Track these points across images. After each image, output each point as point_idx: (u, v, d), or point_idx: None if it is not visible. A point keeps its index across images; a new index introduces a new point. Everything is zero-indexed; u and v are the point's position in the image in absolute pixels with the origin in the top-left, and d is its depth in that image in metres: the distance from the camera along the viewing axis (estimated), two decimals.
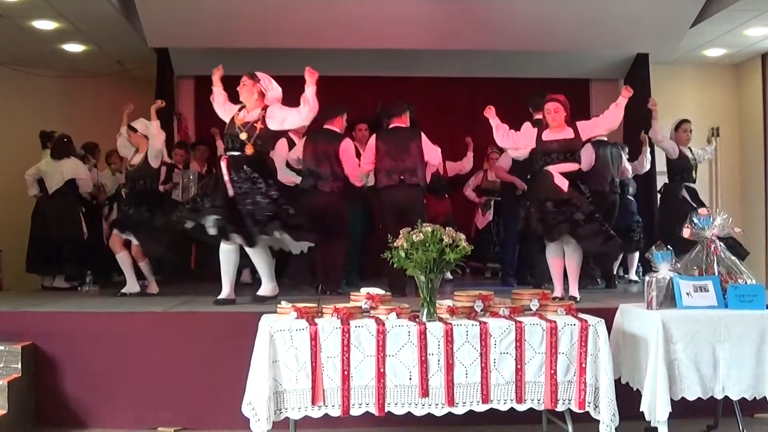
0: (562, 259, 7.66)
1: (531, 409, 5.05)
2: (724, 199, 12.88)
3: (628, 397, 5.30)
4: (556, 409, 5.07)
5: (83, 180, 10.18)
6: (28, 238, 10.22)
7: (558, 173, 7.55)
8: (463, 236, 5.06)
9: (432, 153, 8.50)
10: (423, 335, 4.92)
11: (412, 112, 8.71)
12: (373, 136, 8.66)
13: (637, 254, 10.36)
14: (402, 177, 8.30)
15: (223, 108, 7.68)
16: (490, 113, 7.94)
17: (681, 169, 9.39)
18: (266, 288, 7.41)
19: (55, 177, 10.02)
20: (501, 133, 7.96)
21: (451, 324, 4.97)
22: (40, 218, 10.19)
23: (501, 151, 11.11)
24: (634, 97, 8.07)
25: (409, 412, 4.94)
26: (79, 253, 10.04)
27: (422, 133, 8.47)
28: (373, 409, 4.90)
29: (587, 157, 8.78)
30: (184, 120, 11.88)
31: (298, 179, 8.94)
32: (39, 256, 10.14)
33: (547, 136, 7.67)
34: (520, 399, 5.00)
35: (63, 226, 10.01)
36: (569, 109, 7.69)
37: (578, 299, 7.29)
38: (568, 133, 7.63)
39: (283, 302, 5.35)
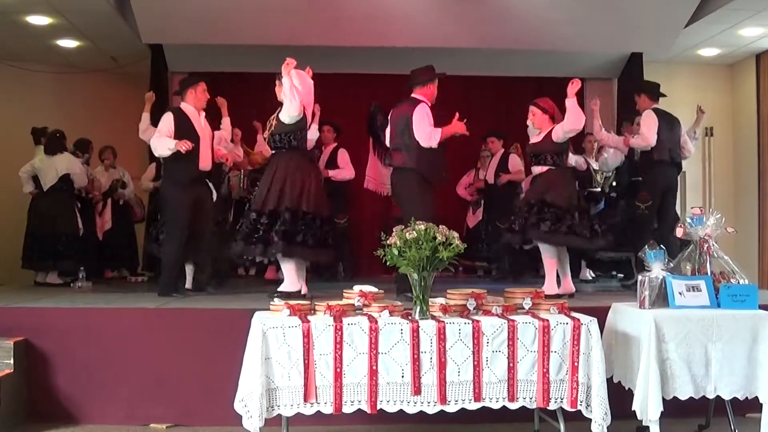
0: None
1: (523, 408, 5.06)
2: (718, 199, 12.90)
3: (620, 396, 5.32)
4: (548, 408, 5.08)
5: (77, 175, 10.15)
6: (24, 234, 10.20)
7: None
8: (456, 234, 5.07)
9: (420, 131, 7.48)
10: (415, 333, 4.92)
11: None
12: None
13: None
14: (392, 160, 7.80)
15: None
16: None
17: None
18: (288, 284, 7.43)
19: (49, 173, 9.99)
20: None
21: (443, 322, 4.97)
22: (35, 214, 10.16)
23: (492, 151, 11.15)
24: (629, 96, 8.23)
25: (401, 410, 4.95)
26: (75, 249, 10.02)
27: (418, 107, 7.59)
28: (365, 407, 4.90)
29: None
30: None
31: None
32: (35, 252, 10.11)
33: (533, 139, 8.15)
34: (512, 397, 5.01)
35: (59, 222, 9.98)
36: (551, 112, 7.95)
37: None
38: (540, 137, 8.01)
39: (275, 299, 5.35)
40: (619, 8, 10.60)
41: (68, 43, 11.70)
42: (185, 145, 7.56)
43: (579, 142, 10.69)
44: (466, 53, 11.47)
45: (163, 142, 7.69)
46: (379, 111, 9.62)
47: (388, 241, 5.04)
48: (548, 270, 7.87)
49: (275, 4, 10.28)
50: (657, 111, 8.72)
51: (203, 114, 8.05)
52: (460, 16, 10.60)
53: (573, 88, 7.66)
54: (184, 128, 7.81)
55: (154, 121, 8.37)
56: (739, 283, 5.51)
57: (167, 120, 7.83)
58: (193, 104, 7.94)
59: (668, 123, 8.69)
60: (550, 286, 7.71)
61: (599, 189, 10.13)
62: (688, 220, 5.68)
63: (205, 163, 7.95)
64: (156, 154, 7.94)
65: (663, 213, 8.53)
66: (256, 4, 10.25)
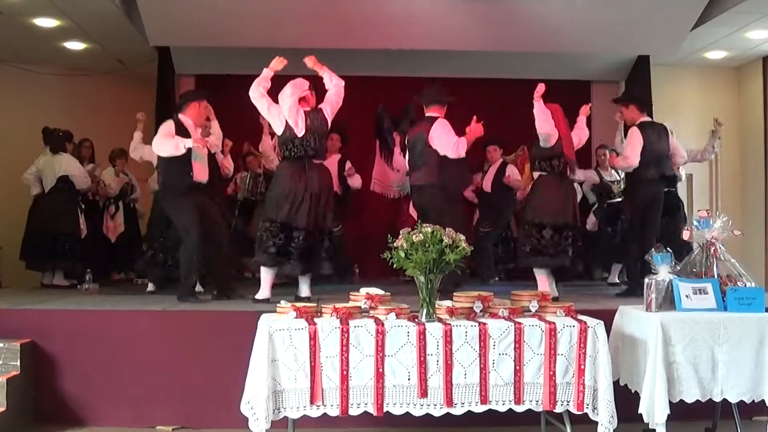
0: None
1: (529, 411, 5.06)
2: (724, 202, 12.88)
3: (626, 399, 5.31)
4: (554, 411, 5.08)
5: (76, 176, 10.17)
6: (24, 234, 10.23)
7: None
8: (463, 237, 5.07)
9: (446, 144, 7.64)
10: (422, 336, 4.92)
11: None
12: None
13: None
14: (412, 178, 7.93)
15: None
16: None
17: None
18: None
19: (49, 174, 10.06)
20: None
21: (450, 325, 4.97)
22: (35, 214, 10.20)
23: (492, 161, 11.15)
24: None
25: (407, 413, 4.95)
26: (75, 250, 10.04)
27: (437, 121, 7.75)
28: (372, 409, 4.90)
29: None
30: None
31: None
32: (34, 252, 10.14)
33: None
34: (518, 400, 5.00)
35: (58, 223, 10.00)
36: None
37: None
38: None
39: (282, 301, 5.35)
40: (626, 10, 10.58)
41: (75, 46, 11.72)
42: (202, 143, 7.65)
43: (587, 154, 10.67)
44: (471, 56, 11.47)
45: (172, 141, 7.50)
46: (386, 113, 9.63)
47: (394, 244, 5.05)
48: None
49: (282, 6, 10.29)
50: (643, 126, 8.34)
51: (200, 130, 7.97)
52: (466, 19, 10.59)
53: (538, 91, 7.81)
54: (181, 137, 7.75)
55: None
56: (745, 286, 5.51)
57: (169, 125, 7.71)
58: (192, 118, 7.85)
59: (656, 135, 8.32)
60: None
61: (620, 199, 10.11)
62: (695, 223, 5.67)
63: (200, 176, 7.80)
64: (161, 153, 7.78)
65: (645, 229, 8.33)
66: (263, 7, 10.26)
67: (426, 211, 7.47)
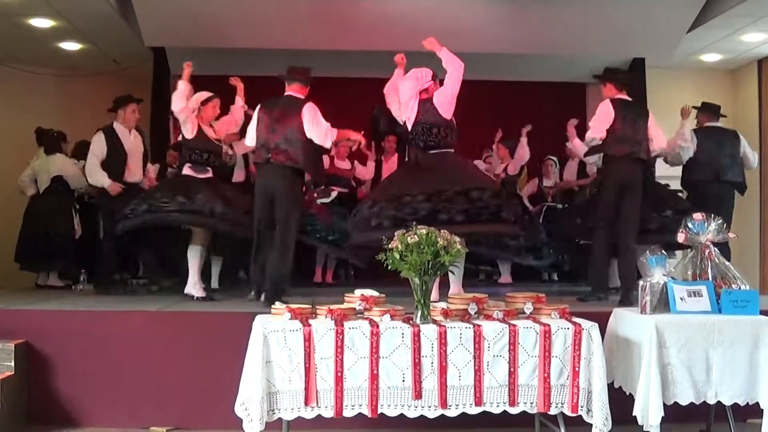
0: None
1: (524, 413, 5.06)
2: None
3: (621, 402, 5.31)
4: (548, 413, 5.08)
5: (71, 177, 10.16)
6: (18, 235, 10.22)
7: None
8: (458, 238, 5.07)
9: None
10: (417, 337, 4.92)
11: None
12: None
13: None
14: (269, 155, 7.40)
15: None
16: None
17: None
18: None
19: (43, 175, 10.06)
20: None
21: (444, 326, 4.97)
22: (30, 215, 10.20)
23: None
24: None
25: (401, 414, 4.94)
26: (69, 250, 10.02)
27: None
28: (366, 411, 4.90)
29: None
30: None
31: None
32: (28, 253, 10.13)
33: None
34: (513, 402, 5.00)
35: (52, 223, 9.99)
36: None
37: None
38: None
39: (277, 303, 5.35)
40: (621, 13, 10.61)
41: (71, 46, 11.71)
42: (117, 189, 8.53)
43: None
44: (467, 57, 11.45)
45: (98, 176, 8.62)
46: (382, 114, 9.63)
47: (389, 245, 5.05)
48: None
49: (277, 8, 10.30)
50: (616, 102, 7.90)
51: (134, 132, 8.92)
52: (459, 21, 10.59)
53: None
54: (113, 147, 8.68)
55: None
56: (740, 288, 5.50)
57: (99, 141, 8.71)
58: (122, 123, 8.83)
59: (631, 114, 7.89)
60: None
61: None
62: (690, 225, 5.67)
63: (132, 177, 8.84)
64: (90, 181, 8.87)
65: (623, 213, 7.81)
66: (259, 8, 10.27)
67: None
